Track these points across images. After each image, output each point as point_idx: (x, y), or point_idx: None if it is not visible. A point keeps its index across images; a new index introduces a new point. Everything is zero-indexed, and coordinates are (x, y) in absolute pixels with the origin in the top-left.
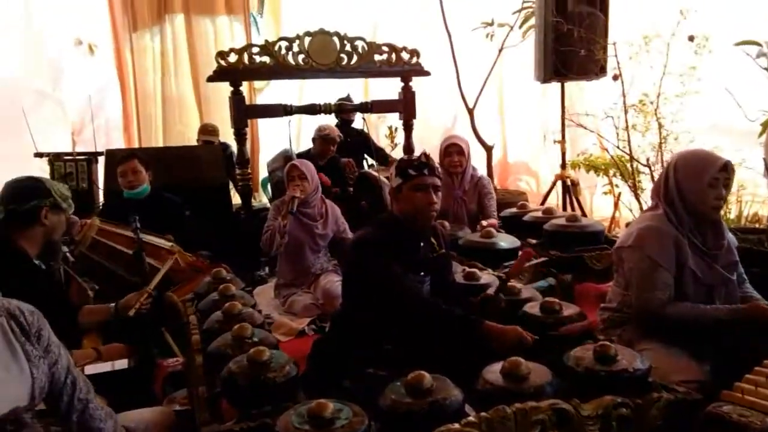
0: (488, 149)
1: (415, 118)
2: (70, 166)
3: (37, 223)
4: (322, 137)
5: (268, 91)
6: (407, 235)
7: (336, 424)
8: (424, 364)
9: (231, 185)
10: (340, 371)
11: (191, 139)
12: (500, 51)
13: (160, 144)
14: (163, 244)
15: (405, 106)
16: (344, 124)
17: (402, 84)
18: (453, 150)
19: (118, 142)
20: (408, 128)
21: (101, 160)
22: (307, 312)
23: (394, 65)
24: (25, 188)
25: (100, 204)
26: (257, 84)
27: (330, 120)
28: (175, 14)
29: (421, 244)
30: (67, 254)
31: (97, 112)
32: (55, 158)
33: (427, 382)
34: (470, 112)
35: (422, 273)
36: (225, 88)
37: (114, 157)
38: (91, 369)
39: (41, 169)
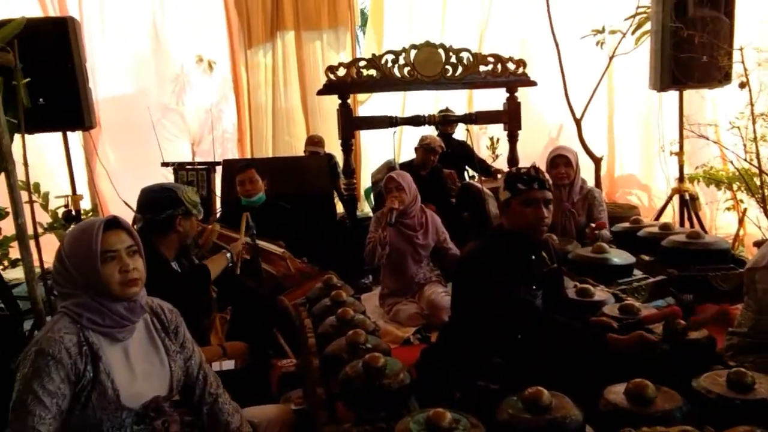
0: (597, 161)
1: (520, 129)
2: (191, 175)
3: (173, 231)
4: (424, 147)
5: (369, 103)
6: (518, 248)
7: None
8: (537, 379)
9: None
10: (449, 382)
11: (298, 150)
12: (611, 59)
13: (270, 155)
14: (275, 249)
15: (510, 117)
16: (445, 136)
17: (507, 94)
18: (560, 161)
19: (233, 153)
20: (513, 139)
21: (218, 169)
22: (412, 321)
23: (500, 76)
24: (160, 198)
25: (218, 211)
26: (360, 96)
27: (431, 132)
28: (286, 31)
29: (533, 257)
30: (193, 257)
31: (214, 125)
32: (178, 167)
33: (546, 399)
34: (578, 122)
35: (534, 287)
36: (331, 101)
37: (231, 167)
38: (215, 366)
39: (165, 177)
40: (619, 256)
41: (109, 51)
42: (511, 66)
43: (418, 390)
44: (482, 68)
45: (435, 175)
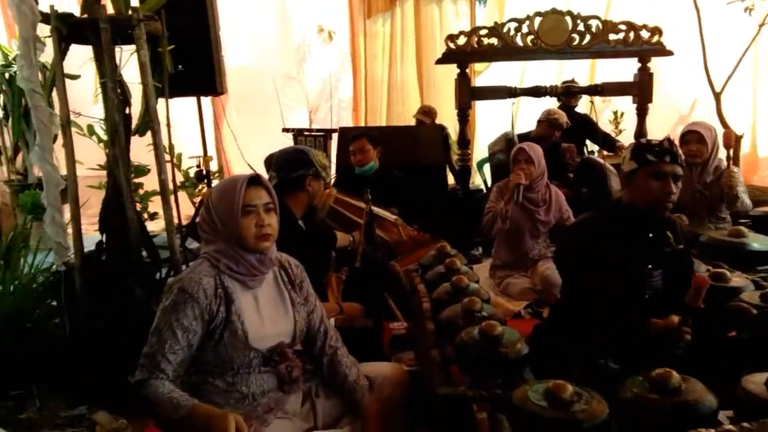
0: (737, 139)
1: (651, 102)
2: (309, 141)
3: (302, 190)
4: (549, 121)
5: (486, 74)
6: (635, 224)
7: (575, 407)
8: (662, 363)
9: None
10: (566, 358)
11: (410, 120)
12: (761, 26)
13: (383, 124)
14: (388, 216)
15: (641, 89)
16: (567, 109)
17: (639, 65)
18: (692, 138)
19: (348, 121)
20: (642, 113)
21: (334, 136)
22: (523, 296)
23: (632, 44)
24: (293, 159)
25: (333, 176)
26: (477, 66)
27: (551, 104)
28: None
29: (650, 235)
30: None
31: (331, 94)
32: (298, 133)
33: (676, 381)
34: (717, 96)
35: (650, 266)
36: (446, 74)
37: (346, 135)
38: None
39: (285, 143)
40: (758, 241)
41: (237, 21)
42: (644, 34)
43: (533, 362)
44: (612, 36)
45: (554, 149)
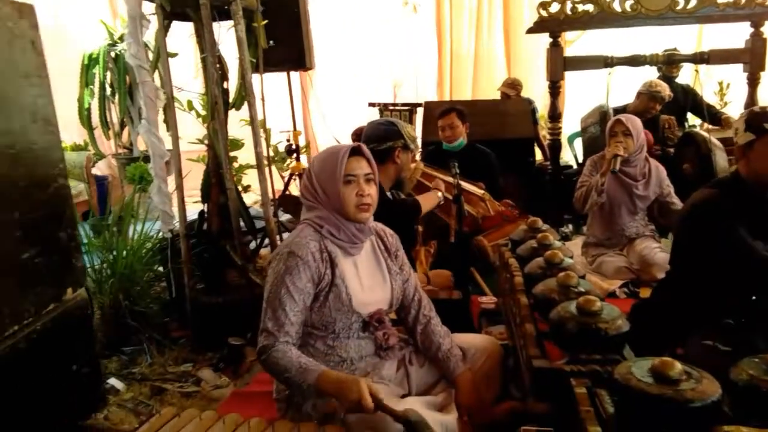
0: None
1: (763, 70)
2: (395, 115)
3: (391, 161)
4: (651, 94)
5: (578, 44)
6: (756, 199)
7: (683, 386)
8: None
9: None
10: (671, 338)
11: (497, 94)
12: None
13: (468, 98)
14: (475, 191)
15: (753, 56)
16: (667, 79)
17: (752, 30)
18: None
19: (432, 96)
20: (753, 83)
21: (420, 111)
22: (618, 275)
23: (743, 7)
24: (383, 131)
25: (419, 150)
26: (568, 36)
27: (651, 74)
28: None
29: None
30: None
31: (416, 68)
32: (383, 108)
33: None
34: None
35: None
36: (534, 44)
37: (432, 109)
38: None
39: (370, 117)
40: None
41: None
42: None
43: (633, 342)
44: None
45: (653, 122)
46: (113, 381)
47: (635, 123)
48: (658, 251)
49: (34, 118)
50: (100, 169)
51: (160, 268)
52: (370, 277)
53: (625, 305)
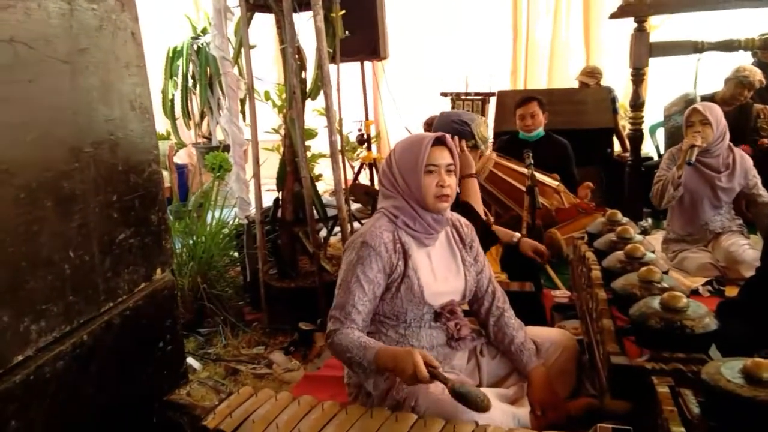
0: None
1: None
2: (467, 105)
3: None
4: (739, 79)
5: (661, 30)
6: None
7: None
8: None
9: None
10: (757, 340)
11: (573, 83)
12: None
13: (545, 87)
14: (550, 182)
15: None
16: (763, 66)
17: None
18: None
19: (505, 85)
20: None
21: (492, 100)
22: (703, 271)
23: None
24: (454, 129)
25: (491, 141)
26: (653, 21)
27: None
28: None
29: None
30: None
31: (489, 57)
32: (456, 97)
33: None
34: None
35: None
36: (616, 29)
37: (505, 98)
38: None
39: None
40: None
41: None
42: None
43: (720, 341)
44: None
45: (742, 112)
46: (191, 360)
47: (714, 111)
48: (746, 248)
49: (132, 106)
50: (180, 158)
51: (236, 254)
52: (444, 268)
53: (710, 304)
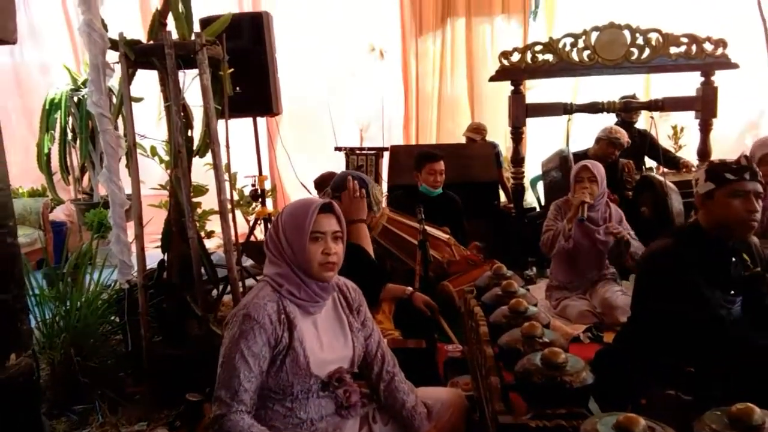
0: None
1: (715, 117)
2: (361, 160)
3: None
4: (610, 140)
5: (536, 91)
6: (715, 248)
7: None
8: (737, 394)
9: None
10: (633, 387)
11: (460, 138)
12: None
13: (434, 142)
14: (441, 236)
15: (704, 104)
16: (626, 125)
17: (702, 79)
18: None
19: (398, 139)
20: (705, 129)
21: (386, 154)
22: (582, 319)
23: (694, 57)
24: (355, 175)
25: (385, 195)
26: (528, 83)
27: (607, 119)
28: (457, 17)
29: (732, 259)
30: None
31: (381, 112)
32: (350, 152)
33: (758, 417)
34: None
35: (732, 293)
36: (496, 90)
37: (399, 153)
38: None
39: (337, 162)
40: None
41: (289, 41)
42: (708, 47)
43: (597, 392)
44: (673, 50)
45: (612, 166)
46: None
47: (600, 169)
48: (620, 294)
49: None
50: (58, 215)
51: (117, 319)
52: (330, 336)
53: (590, 350)
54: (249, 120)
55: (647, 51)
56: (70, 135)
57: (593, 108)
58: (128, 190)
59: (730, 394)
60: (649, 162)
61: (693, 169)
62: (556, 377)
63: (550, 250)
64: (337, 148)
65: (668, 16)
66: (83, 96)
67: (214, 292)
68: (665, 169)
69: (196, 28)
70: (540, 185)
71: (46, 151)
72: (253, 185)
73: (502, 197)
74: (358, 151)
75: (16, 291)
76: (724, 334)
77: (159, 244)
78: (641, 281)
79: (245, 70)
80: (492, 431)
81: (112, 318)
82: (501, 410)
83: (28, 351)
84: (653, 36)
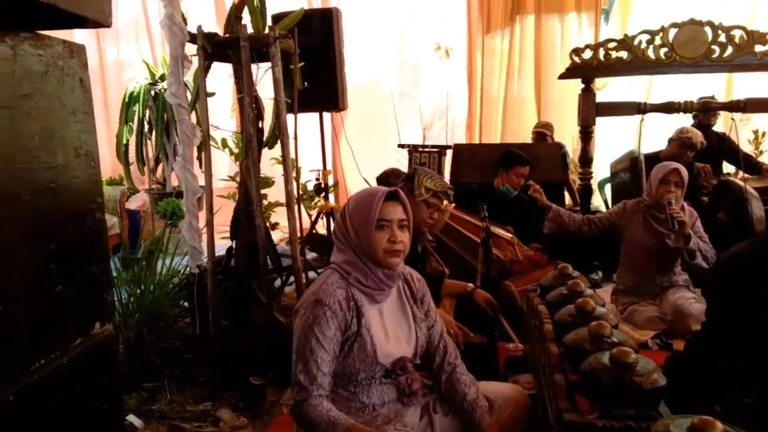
0: None
1: None
2: (424, 157)
3: None
4: (682, 140)
5: (607, 90)
6: None
7: None
8: None
9: None
10: (704, 394)
11: (525, 138)
12: None
13: (498, 141)
14: (504, 234)
15: None
16: (702, 127)
17: None
18: None
19: (461, 138)
20: None
21: (449, 153)
22: (650, 325)
23: None
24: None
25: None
26: (597, 83)
27: (681, 121)
28: (526, 14)
29: None
30: (427, 233)
31: (445, 111)
32: (413, 149)
33: None
34: None
35: None
36: (564, 90)
37: (462, 151)
38: None
39: (399, 159)
40: None
41: (357, 38)
42: None
43: (668, 397)
44: (758, 48)
45: (687, 170)
46: (132, 418)
47: (685, 174)
48: (693, 302)
49: (77, 154)
50: (133, 204)
51: (186, 304)
52: (395, 326)
53: (658, 357)
54: (315, 115)
55: (730, 49)
56: (146, 127)
57: (668, 108)
58: (201, 182)
59: None
60: (728, 167)
61: None
62: (625, 377)
63: (549, 225)
64: (401, 145)
65: (749, 13)
66: (160, 89)
67: (278, 283)
68: (746, 174)
69: (269, 22)
70: (608, 188)
71: (124, 142)
72: (317, 179)
73: (568, 199)
74: (421, 149)
75: (102, 264)
76: None
77: (227, 234)
78: (711, 287)
79: (314, 65)
80: (555, 430)
81: (182, 302)
82: (566, 408)
83: (111, 321)
84: (737, 33)
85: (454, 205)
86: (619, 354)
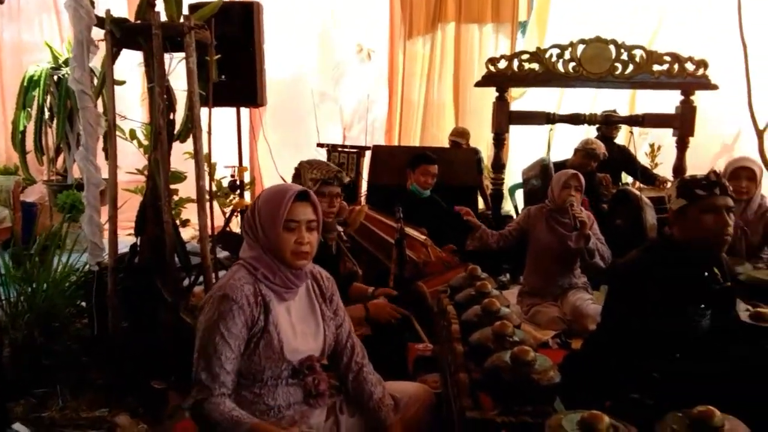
0: None
1: (692, 135)
2: (343, 157)
3: None
4: (586, 151)
5: (523, 100)
6: (690, 262)
7: None
8: (698, 400)
9: None
10: (598, 390)
11: (443, 142)
12: None
13: (417, 144)
14: (418, 236)
15: (682, 122)
16: (605, 139)
17: (681, 97)
18: (743, 174)
19: (380, 140)
20: (682, 146)
21: (368, 154)
22: (552, 325)
23: (675, 76)
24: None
25: (363, 193)
26: (514, 92)
27: (589, 133)
28: (447, 22)
29: (705, 274)
30: (341, 233)
31: (365, 112)
32: (332, 149)
33: (718, 420)
34: (759, 134)
35: (703, 306)
36: (482, 97)
37: (381, 153)
38: None
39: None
40: None
41: (279, 35)
42: (690, 66)
43: (564, 393)
44: (656, 67)
45: (589, 179)
46: (18, 426)
47: (583, 180)
48: (590, 303)
49: None
50: (30, 196)
51: (84, 304)
52: (303, 324)
53: (558, 356)
54: (232, 110)
55: (631, 67)
56: (47, 114)
57: (575, 119)
58: (104, 173)
59: (691, 400)
60: (627, 177)
61: (668, 185)
62: (524, 374)
63: (473, 243)
64: (320, 145)
65: (653, 34)
66: (64, 75)
67: (186, 282)
68: (642, 185)
69: (185, 11)
70: (518, 193)
71: (21, 128)
72: (233, 176)
73: (481, 203)
74: (340, 149)
75: None
76: (689, 344)
77: (131, 230)
78: (611, 289)
79: (232, 59)
80: (458, 427)
81: (80, 302)
82: (468, 406)
83: None
84: (637, 53)
85: (368, 206)
86: (519, 353)
